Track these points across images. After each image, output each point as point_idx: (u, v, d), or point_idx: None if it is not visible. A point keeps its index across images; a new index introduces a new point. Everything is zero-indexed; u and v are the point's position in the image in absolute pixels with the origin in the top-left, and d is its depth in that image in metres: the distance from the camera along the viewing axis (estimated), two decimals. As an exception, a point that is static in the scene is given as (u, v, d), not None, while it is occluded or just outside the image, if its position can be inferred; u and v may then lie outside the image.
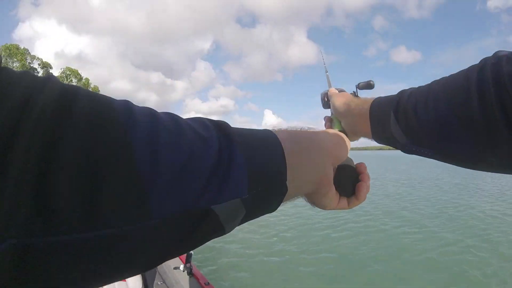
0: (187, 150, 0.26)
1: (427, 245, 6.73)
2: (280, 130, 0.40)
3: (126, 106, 0.25)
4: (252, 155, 0.31)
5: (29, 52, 31.23)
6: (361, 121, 0.62)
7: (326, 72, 0.98)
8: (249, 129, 0.36)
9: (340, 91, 0.78)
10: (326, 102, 0.80)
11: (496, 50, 0.40)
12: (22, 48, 30.63)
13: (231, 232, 1.52)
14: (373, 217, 9.36)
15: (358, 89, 0.80)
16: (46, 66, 34.28)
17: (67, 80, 38.10)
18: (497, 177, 16.73)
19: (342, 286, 5.02)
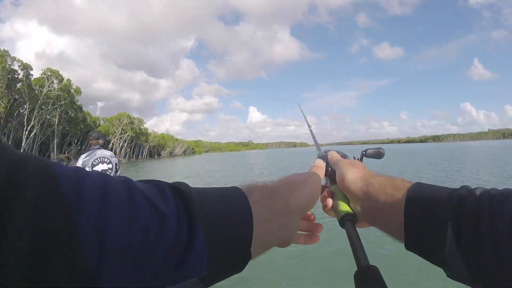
0: (140, 230, 0.25)
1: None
2: (255, 188, 0.37)
3: (75, 182, 0.23)
4: (215, 231, 0.29)
5: (9, 54, 30.81)
6: (389, 215, 0.45)
7: (309, 127, 0.90)
8: (217, 189, 0.33)
9: (343, 156, 0.62)
10: (328, 172, 0.60)
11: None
12: (2, 50, 30.34)
13: None
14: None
15: (364, 157, 0.63)
16: (26, 67, 33.72)
17: (48, 81, 38.00)
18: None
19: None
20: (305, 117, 0.91)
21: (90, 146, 4.17)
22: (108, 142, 63.13)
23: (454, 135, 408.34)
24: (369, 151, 0.63)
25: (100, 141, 4.18)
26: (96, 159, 3.97)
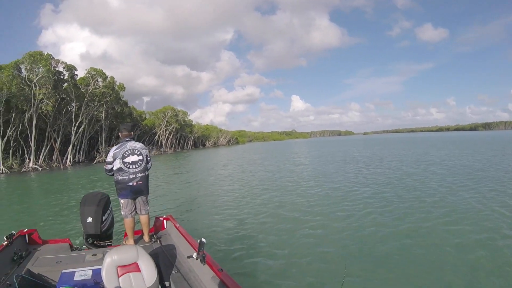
0: None
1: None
2: None
3: None
4: None
5: (53, 57, 31.73)
6: None
7: None
8: None
9: None
10: None
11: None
12: (45, 54, 31.41)
13: (244, 219, 8.18)
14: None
15: None
16: (70, 68, 34.73)
17: (92, 80, 39.04)
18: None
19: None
20: None
21: (120, 138, 4.14)
22: (154, 134, 64.84)
23: (506, 122, 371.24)
24: None
25: (132, 133, 4.16)
26: (127, 150, 3.95)
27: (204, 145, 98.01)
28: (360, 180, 14.50)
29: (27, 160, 32.63)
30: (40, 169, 31.78)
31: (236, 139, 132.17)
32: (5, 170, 29.74)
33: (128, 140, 4.07)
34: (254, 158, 36.28)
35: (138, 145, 4.08)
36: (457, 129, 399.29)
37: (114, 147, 4.03)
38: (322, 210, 8.96)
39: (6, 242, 3.48)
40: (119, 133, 4.21)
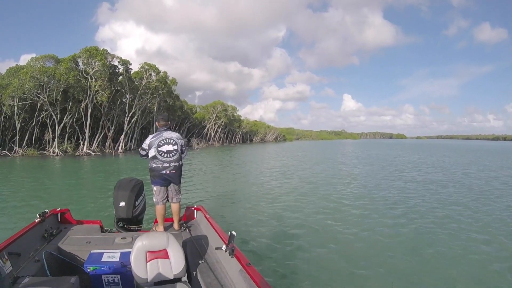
0: None
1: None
2: None
3: None
4: None
5: (108, 52, 32.78)
6: None
7: None
8: None
9: None
10: None
11: None
12: (101, 49, 32.51)
13: (278, 217, 7.85)
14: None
15: None
16: (125, 63, 35.83)
17: (146, 74, 39.98)
18: None
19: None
20: None
21: (157, 127, 4.13)
22: (204, 127, 65.65)
23: None
24: None
25: (168, 122, 4.13)
26: (162, 140, 3.92)
27: (251, 140, 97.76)
28: (415, 189, 12.82)
29: (81, 145, 34.27)
30: (92, 154, 33.18)
31: (284, 136, 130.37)
32: (59, 153, 31.54)
33: (164, 129, 4.02)
34: (297, 155, 35.50)
35: (174, 135, 4.01)
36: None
37: (151, 136, 4.01)
38: (367, 215, 8.13)
39: (38, 220, 3.47)
40: (156, 123, 4.17)
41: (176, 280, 2.66)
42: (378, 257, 5.38)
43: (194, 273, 2.88)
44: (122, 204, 3.99)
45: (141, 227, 4.28)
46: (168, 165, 3.94)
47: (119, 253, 3.15)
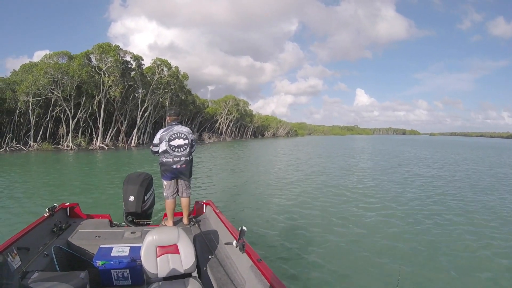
0: None
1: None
2: None
3: None
4: None
5: (121, 48, 32.85)
6: None
7: None
8: None
9: None
10: None
11: None
12: (114, 45, 32.56)
13: (289, 213, 7.58)
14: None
15: None
16: (137, 58, 35.83)
17: (158, 69, 39.96)
18: None
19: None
20: None
21: (168, 122, 4.09)
22: (216, 122, 65.58)
23: None
24: None
25: (179, 117, 4.11)
26: (173, 134, 3.89)
27: (262, 135, 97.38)
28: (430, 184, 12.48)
29: (95, 139, 34.64)
30: (106, 148, 33.56)
31: (295, 131, 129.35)
32: (73, 147, 32.00)
33: (175, 124, 4.00)
34: (308, 151, 34.84)
35: (184, 129, 4.00)
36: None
37: (162, 130, 3.98)
38: (379, 212, 7.95)
39: (47, 214, 3.47)
40: (167, 117, 4.12)
41: (186, 275, 2.62)
42: (389, 258, 5.23)
43: (204, 268, 2.86)
44: (132, 198, 3.99)
45: (150, 221, 4.27)
46: (178, 159, 3.93)
47: (129, 247, 3.13)
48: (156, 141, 3.99)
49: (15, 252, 2.57)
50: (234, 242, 2.69)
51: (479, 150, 43.55)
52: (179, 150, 3.93)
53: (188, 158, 4.00)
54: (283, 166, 18.84)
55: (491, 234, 6.44)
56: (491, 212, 8.22)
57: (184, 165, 3.97)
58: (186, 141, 3.95)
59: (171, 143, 3.89)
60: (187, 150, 3.97)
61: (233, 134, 73.36)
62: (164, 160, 3.94)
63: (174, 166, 3.93)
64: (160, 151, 3.95)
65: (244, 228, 2.70)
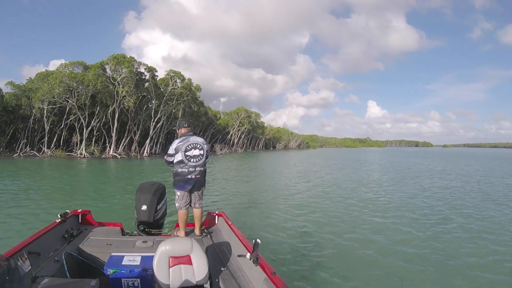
0: None
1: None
2: None
3: None
4: None
5: (135, 59, 33.56)
6: None
7: None
8: None
9: None
10: None
11: None
12: (128, 56, 33.18)
13: (303, 226, 7.40)
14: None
15: None
16: (151, 70, 36.49)
17: (171, 81, 40.40)
18: None
19: None
20: None
21: (177, 133, 4.10)
22: (227, 133, 65.66)
23: None
24: None
25: (191, 127, 4.11)
26: (190, 144, 3.91)
27: (274, 147, 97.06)
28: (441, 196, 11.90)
29: (108, 148, 34.97)
30: (118, 156, 33.79)
31: (307, 143, 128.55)
32: (86, 155, 32.42)
33: (191, 134, 4.01)
34: (320, 163, 34.32)
35: (199, 139, 4.02)
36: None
37: (177, 140, 3.97)
38: (392, 228, 7.61)
39: (59, 220, 3.46)
40: (181, 129, 4.06)
41: (198, 286, 2.59)
42: (407, 271, 5.04)
43: (216, 280, 2.81)
44: (144, 207, 3.95)
45: (161, 231, 4.25)
46: (194, 169, 3.93)
47: (140, 256, 3.08)
48: (171, 151, 3.97)
49: (26, 256, 2.54)
50: (248, 255, 2.66)
51: (491, 161, 42.97)
52: (195, 160, 3.94)
53: (202, 168, 4.01)
54: (295, 177, 18.57)
55: (500, 244, 6.32)
56: (501, 222, 8.06)
57: (199, 175, 3.98)
58: (202, 152, 3.96)
59: (187, 153, 3.90)
60: (202, 160, 3.99)
61: (244, 145, 73.27)
62: (179, 170, 3.93)
63: (189, 176, 3.93)
64: (175, 161, 3.95)
65: (258, 240, 2.67)
